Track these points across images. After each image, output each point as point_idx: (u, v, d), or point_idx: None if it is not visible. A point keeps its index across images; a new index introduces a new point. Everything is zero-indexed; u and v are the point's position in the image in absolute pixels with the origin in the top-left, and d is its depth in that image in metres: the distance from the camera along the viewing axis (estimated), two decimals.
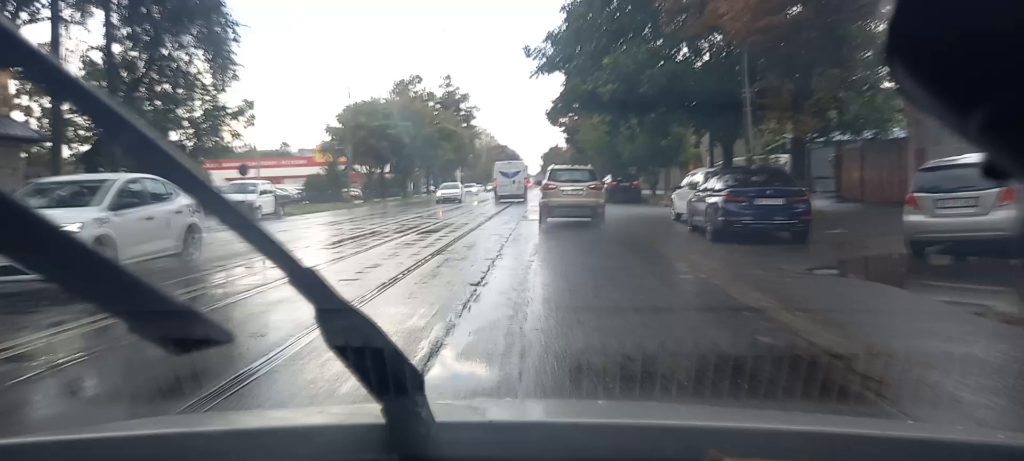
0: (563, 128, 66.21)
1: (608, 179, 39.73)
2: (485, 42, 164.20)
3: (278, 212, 30.68)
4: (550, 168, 22.30)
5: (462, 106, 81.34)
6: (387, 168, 59.01)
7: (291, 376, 4.88)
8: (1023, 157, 0.46)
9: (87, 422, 3.49)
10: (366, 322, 1.01)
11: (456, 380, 4.98)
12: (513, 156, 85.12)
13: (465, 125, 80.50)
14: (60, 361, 5.61)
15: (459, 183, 52.98)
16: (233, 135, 25.78)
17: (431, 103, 75.52)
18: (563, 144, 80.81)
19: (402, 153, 54.77)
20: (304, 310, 0.98)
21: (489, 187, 51.40)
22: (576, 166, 27.67)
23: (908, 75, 0.46)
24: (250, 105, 25.86)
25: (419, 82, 78.62)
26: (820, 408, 3.72)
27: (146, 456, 1.21)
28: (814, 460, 1.13)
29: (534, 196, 32.71)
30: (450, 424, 1.20)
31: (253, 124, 26.46)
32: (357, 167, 54.73)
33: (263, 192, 29.44)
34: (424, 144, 58.86)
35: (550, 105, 27.67)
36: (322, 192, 48.98)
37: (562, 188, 19.19)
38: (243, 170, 31.89)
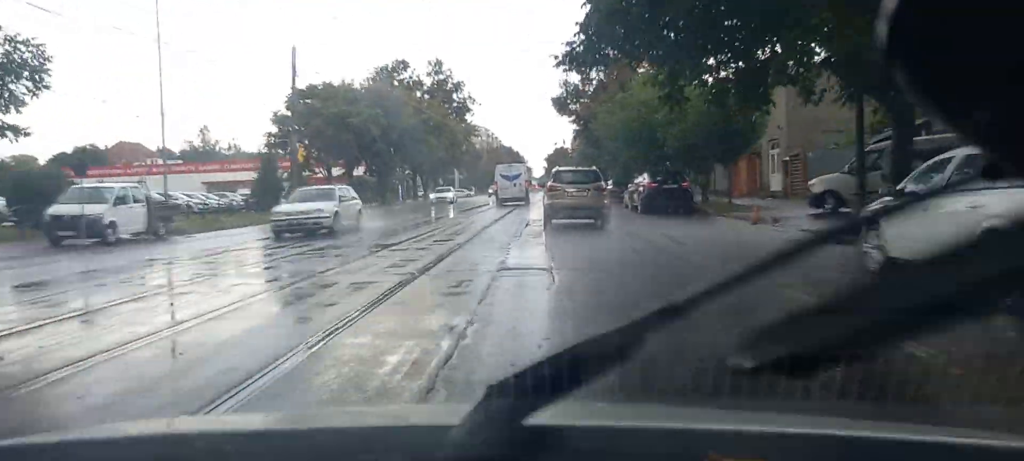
0: (574, 117, 55.01)
1: (645, 179, 28.14)
2: (485, 32, 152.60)
3: (156, 229, 21.67)
4: (555, 170, 22.98)
5: (455, 97, 69.79)
6: (362, 168, 47.94)
7: None
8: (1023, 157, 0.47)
9: None
10: None
11: None
12: (515, 158, 75.48)
13: (458, 119, 68.73)
14: None
15: (349, 188, 26.26)
16: (10, 103, 14.58)
17: (418, 93, 64.21)
18: (569, 142, 70.23)
19: (375, 149, 43.50)
20: None
21: (490, 191, 48.74)
22: (580, 168, 27.49)
23: (909, 76, 0.46)
24: (41, 54, 14.58)
25: (405, 69, 67.53)
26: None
27: (151, 456, 1.24)
28: None
29: (537, 199, 29.80)
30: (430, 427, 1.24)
31: (46, 86, 14.60)
32: (316, 170, 43.46)
33: (119, 201, 20.30)
34: (404, 138, 47.26)
35: (563, 51, 15.64)
36: (274, 199, 38.68)
37: (567, 190, 19.72)
38: (80, 170, 21.16)
